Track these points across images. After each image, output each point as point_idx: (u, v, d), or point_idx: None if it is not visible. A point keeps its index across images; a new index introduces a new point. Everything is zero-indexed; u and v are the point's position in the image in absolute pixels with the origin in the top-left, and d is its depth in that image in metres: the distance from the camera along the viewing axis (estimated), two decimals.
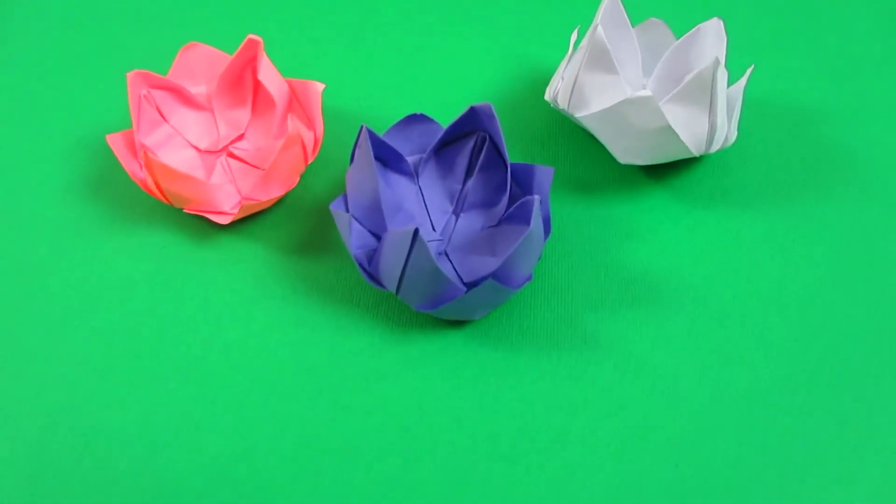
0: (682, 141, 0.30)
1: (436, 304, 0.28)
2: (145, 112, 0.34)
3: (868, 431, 0.28)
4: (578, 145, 0.35)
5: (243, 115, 0.36)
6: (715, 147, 0.31)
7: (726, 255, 0.32)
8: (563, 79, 0.33)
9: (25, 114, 0.36)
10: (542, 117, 0.36)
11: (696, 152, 0.31)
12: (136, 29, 0.39)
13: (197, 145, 0.35)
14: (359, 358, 0.29)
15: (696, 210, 0.33)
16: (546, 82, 0.37)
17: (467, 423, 0.28)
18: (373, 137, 0.30)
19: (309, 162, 0.33)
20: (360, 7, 0.39)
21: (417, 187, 0.33)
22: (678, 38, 0.37)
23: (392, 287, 0.29)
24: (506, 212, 0.31)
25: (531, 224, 0.28)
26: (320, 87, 0.34)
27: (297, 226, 0.33)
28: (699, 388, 0.29)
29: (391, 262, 0.28)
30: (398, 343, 0.30)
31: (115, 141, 0.33)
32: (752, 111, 0.36)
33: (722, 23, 0.33)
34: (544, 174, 0.30)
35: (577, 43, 0.37)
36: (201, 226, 0.33)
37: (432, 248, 0.31)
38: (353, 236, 0.30)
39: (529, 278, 0.29)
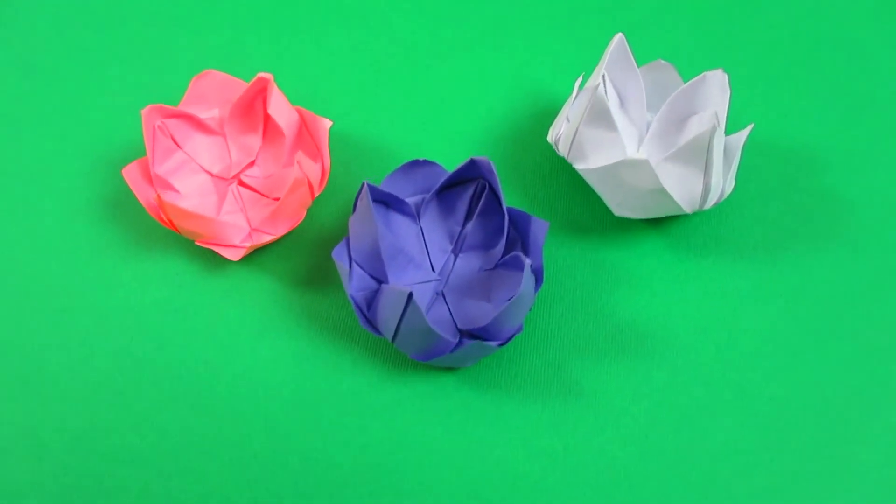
0: (675, 201, 0.31)
1: (428, 356, 0.30)
2: (160, 142, 0.35)
3: (840, 496, 0.29)
4: (577, 186, 0.35)
5: (254, 141, 0.37)
6: (709, 204, 0.32)
7: (713, 307, 0.33)
8: (565, 125, 0.33)
9: (46, 133, 0.37)
10: (545, 152, 0.37)
11: (689, 210, 0.32)
12: (155, 51, 0.39)
13: (210, 170, 0.36)
14: (356, 396, 0.31)
15: (689, 259, 0.34)
16: (552, 114, 0.38)
17: (454, 464, 0.30)
18: (373, 190, 0.31)
19: (316, 196, 0.35)
20: (370, 33, 0.39)
21: (419, 227, 0.34)
22: (683, 78, 0.38)
23: (389, 336, 0.30)
24: (502, 256, 0.33)
25: (521, 286, 0.29)
26: (328, 123, 0.35)
27: (303, 258, 0.34)
28: (675, 441, 0.30)
29: (387, 315, 0.30)
30: (393, 383, 0.32)
31: (130, 173, 0.34)
32: (755, 154, 0.36)
33: (726, 76, 0.33)
34: (539, 227, 0.32)
35: (582, 84, 0.37)
36: (213, 255, 0.35)
37: (430, 288, 0.33)
38: (354, 281, 0.32)
39: (519, 330, 0.30)
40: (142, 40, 0.39)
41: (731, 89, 0.36)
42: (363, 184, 0.30)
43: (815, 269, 0.33)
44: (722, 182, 0.32)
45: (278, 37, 0.39)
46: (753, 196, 0.35)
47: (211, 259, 0.35)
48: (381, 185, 0.33)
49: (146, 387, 0.32)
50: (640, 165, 0.30)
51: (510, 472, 0.30)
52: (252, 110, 0.36)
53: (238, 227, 0.34)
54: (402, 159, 0.37)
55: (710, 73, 0.33)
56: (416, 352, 0.30)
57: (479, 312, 0.32)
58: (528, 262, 0.29)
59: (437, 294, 0.33)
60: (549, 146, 0.37)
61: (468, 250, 0.34)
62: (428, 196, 0.33)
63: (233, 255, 0.33)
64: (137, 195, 0.34)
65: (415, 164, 0.33)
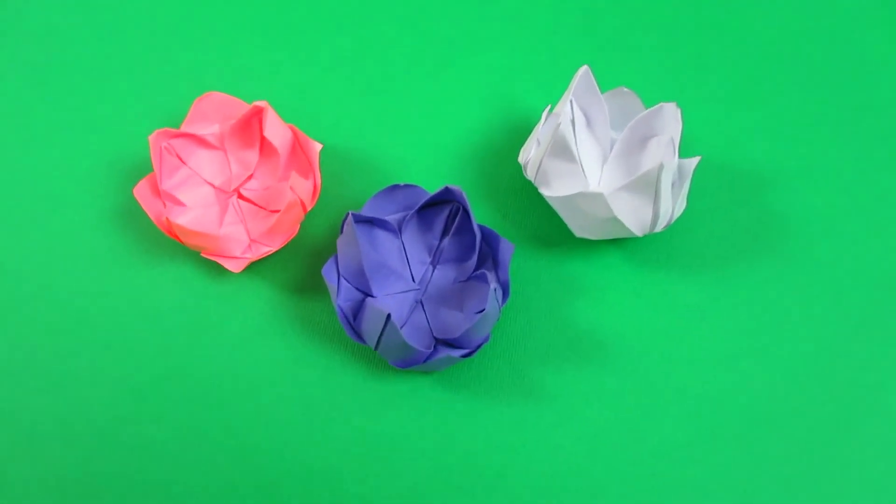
0: (627, 227, 0.35)
1: (406, 364, 0.34)
2: (166, 161, 0.39)
3: (768, 485, 0.34)
4: (544, 203, 0.39)
5: (252, 156, 0.40)
6: (659, 228, 0.36)
7: (662, 318, 0.37)
8: (532, 151, 0.37)
9: (59, 145, 0.41)
10: (517, 168, 0.40)
11: (640, 234, 0.35)
12: (159, 66, 0.42)
13: (212, 182, 0.40)
14: (343, 394, 0.36)
15: (643, 272, 0.38)
16: (525, 130, 0.41)
17: (427, 455, 0.35)
18: (357, 217, 0.35)
19: (308, 210, 0.38)
20: (358, 52, 0.42)
21: (400, 242, 0.38)
22: (644, 100, 0.41)
23: (371, 345, 0.35)
24: (474, 270, 0.37)
25: (487, 306, 0.33)
26: (318, 146, 0.38)
27: (297, 268, 0.38)
28: (621, 439, 0.35)
29: (370, 328, 0.34)
30: (376, 382, 0.36)
31: (140, 191, 0.38)
32: (706, 173, 0.39)
33: (679, 109, 0.36)
34: (507, 248, 0.35)
35: (551, 109, 0.40)
36: (216, 264, 0.39)
37: (410, 297, 0.37)
38: (341, 294, 0.36)
39: (487, 339, 0.35)
40: (146, 56, 0.42)
41: (683, 118, 0.39)
42: (348, 213, 0.34)
43: (755, 284, 0.37)
44: (671, 209, 0.36)
45: (273, 55, 0.42)
46: (703, 214, 0.39)
47: (214, 267, 0.39)
48: (366, 204, 0.37)
49: (161, 383, 0.36)
50: (596, 197, 0.34)
51: (475, 463, 0.35)
52: (249, 128, 0.40)
53: (238, 238, 0.38)
54: (386, 171, 0.40)
55: (665, 105, 0.37)
56: (395, 360, 0.34)
57: (453, 321, 0.36)
58: (492, 285, 0.33)
59: (417, 302, 0.37)
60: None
61: (445, 263, 0.37)
62: (409, 214, 0.37)
63: (235, 266, 0.37)
64: (148, 212, 0.37)
65: (395, 187, 0.37)
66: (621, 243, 0.38)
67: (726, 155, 0.40)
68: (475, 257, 0.36)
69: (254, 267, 0.39)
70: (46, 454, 0.35)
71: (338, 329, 0.37)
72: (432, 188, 0.40)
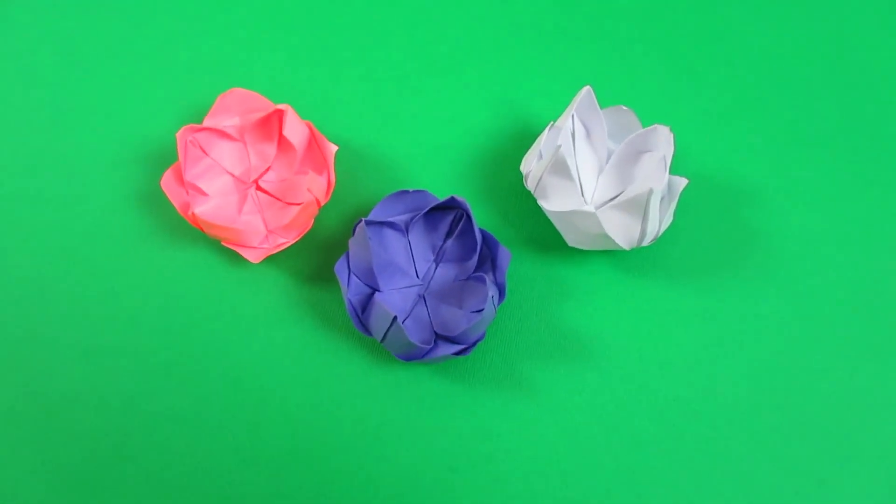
0: (616, 242, 0.38)
1: (408, 358, 0.38)
2: (190, 152, 0.41)
3: (726, 482, 0.38)
4: (543, 212, 0.42)
5: (270, 149, 0.43)
6: (646, 243, 0.39)
7: (642, 322, 0.40)
8: (534, 165, 0.40)
9: (89, 131, 0.43)
10: (519, 174, 0.43)
11: (628, 248, 0.39)
12: (184, 58, 0.44)
13: (232, 171, 0.43)
14: (349, 378, 0.40)
15: (629, 277, 0.41)
16: (530, 137, 0.43)
17: (422, 437, 0.39)
18: (369, 222, 0.38)
19: (322, 205, 0.41)
20: (374, 54, 0.44)
21: (407, 240, 0.41)
22: (640, 116, 0.43)
23: (378, 338, 0.38)
24: (475, 270, 0.40)
25: (484, 310, 0.36)
26: (334, 148, 0.41)
27: (311, 259, 0.42)
28: (599, 431, 0.39)
29: (378, 324, 0.37)
30: (380, 370, 0.40)
31: (167, 182, 0.40)
32: (695, 188, 0.42)
33: (672, 133, 0.39)
34: (504, 255, 0.39)
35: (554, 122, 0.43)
36: (236, 252, 0.42)
37: (414, 291, 0.40)
38: (351, 289, 0.39)
39: (482, 337, 0.38)
40: (172, 48, 0.44)
41: (675, 136, 0.42)
42: (360, 220, 0.37)
43: (730, 295, 0.41)
44: (657, 227, 0.39)
45: (293, 52, 0.44)
46: (688, 228, 0.42)
47: (233, 255, 0.42)
48: (378, 206, 0.40)
49: (183, 359, 0.40)
50: (589, 216, 0.37)
51: (466, 447, 0.39)
52: (269, 124, 0.42)
53: (256, 229, 0.41)
54: (396, 169, 0.43)
55: (660, 126, 0.39)
56: (399, 354, 0.38)
57: (452, 318, 0.39)
58: (490, 293, 0.36)
59: (420, 297, 0.40)
60: None
61: (447, 262, 0.41)
62: (417, 216, 0.40)
63: (253, 256, 0.40)
64: (174, 202, 0.40)
65: (405, 192, 0.40)
66: (610, 252, 0.41)
67: (712, 172, 0.43)
68: (475, 258, 0.40)
69: (270, 257, 0.42)
70: (76, 421, 0.39)
71: (346, 319, 0.41)
72: (439, 187, 0.43)
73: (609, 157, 0.42)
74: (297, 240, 0.41)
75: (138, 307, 0.41)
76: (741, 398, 0.39)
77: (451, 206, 0.40)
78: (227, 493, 0.38)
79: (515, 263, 0.41)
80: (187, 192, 0.41)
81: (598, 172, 0.42)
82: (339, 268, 0.39)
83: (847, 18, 0.45)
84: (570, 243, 0.39)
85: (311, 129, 0.42)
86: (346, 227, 0.42)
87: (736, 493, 0.38)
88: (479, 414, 0.39)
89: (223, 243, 0.40)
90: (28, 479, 0.39)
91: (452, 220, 0.40)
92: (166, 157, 0.43)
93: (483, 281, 0.38)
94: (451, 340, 0.38)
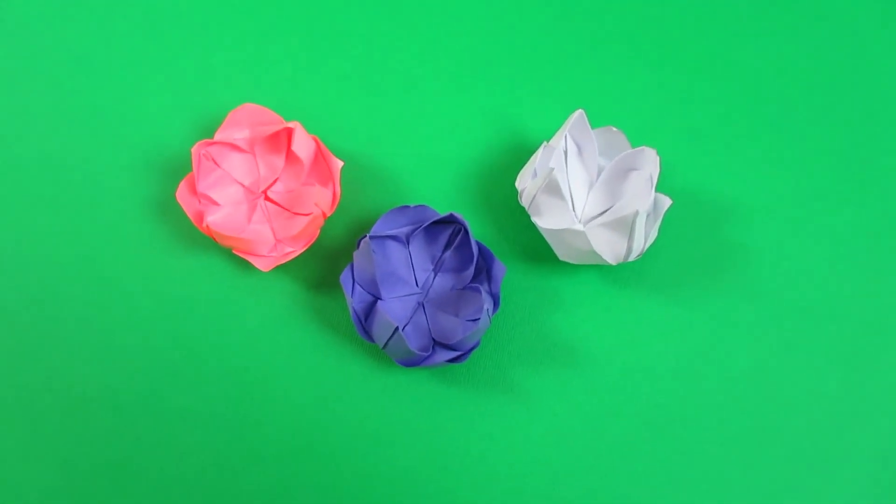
0: (603, 258, 0.40)
1: (408, 364, 0.41)
2: (203, 165, 0.44)
3: (704, 482, 0.41)
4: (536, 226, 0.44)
5: (279, 161, 0.45)
6: (631, 258, 0.41)
7: (627, 331, 0.43)
8: (529, 182, 0.42)
9: (106, 140, 0.45)
10: (514, 189, 0.45)
11: (614, 263, 0.41)
12: (197, 69, 0.47)
13: (242, 182, 0.45)
14: (352, 381, 0.42)
15: (616, 289, 0.44)
16: (526, 152, 0.46)
17: (421, 438, 0.41)
18: (373, 235, 0.40)
19: (328, 216, 0.44)
20: (377, 68, 0.47)
21: (408, 251, 0.43)
22: (628, 138, 0.46)
23: (380, 345, 0.41)
24: (471, 280, 0.42)
25: (480, 321, 0.39)
26: (340, 163, 0.43)
27: (317, 267, 0.44)
28: (584, 433, 0.42)
29: (380, 332, 0.40)
30: (382, 373, 0.42)
31: (181, 193, 0.43)
32: (680, 202, 0.45)
33: (659, 156, 0.41)
34: (499, 268, 0.41)
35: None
36: (245, 260, 0.44)
37: (413, 299, 0.43)
38: (355, 298, 0.41)
39: (477, 344, 0.41)
40: (184, 60, 0.46)
41: (661, 156, 0.44)
42: (365, 235, 0.39)
43: (710, 306, 0.43)
44: (643, 243, 0.41)
45: (301, 64, 0.47)
46: (671, 242, 0.44)
47: (243, 263, 0.44)
48: (381, 219, 0.42)
49: (194, 360, 0.42)
50: (579, 233, 0.39)
51: (460, 447, 0.41)
52: (278, 138, 0.44)
53: (265, 238, 0.43)
54: (398, 181, 0.45)
55: (646, 148, 0.42)
56: (399, 359, 0.41)
57: (449, 326, 0.42)
58: (486, 305, 0.39)
59: (419, 304, 0.43)
60: None
61: (445, 271, 0.43)
62: (417, 228, 0.43)
63: (263, 265, 0.43)
64: (188, 213, 0.43)
65: (407, 207, 0.42)
66: (598, 266, 0.44)
67: (695, 189, 0.45)
68: (472, 269, 0.42)
69: (278, 265, 0.44)
70: (93, 418, 0.42)
71: (350, 325, 0.43)
72: (438, 200, 0.45)
73: (599, 173, 0.44)
74: (304, 249, 0.44)
75: (153, 311, 0.43)
76: (718, 404, 0.42)
77: (450, 220, 0.42)
78: (234, 488, 0.41)
79: (508, 273, 0.44)
80: (200, 202, 0.44)
81: (588, 188, 0.44)
82: (344, 278, 0.41)
83: (828, 42, 0.47)
84: (561, 257, 0.42)
85: (317, 143, 0.44)
86: (350, 237, 0.45)
87: (711, 493, 0.41)
88: (473, 416, 0.42)
89: (234, 251, 0.43)
90: (46, 474, 0.41)
91: (451, 234, 0.43)
92: (180, 167, 0.46)
93: (479, 291, 0.41)
94: (449, 347, 0.41)
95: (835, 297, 0.44)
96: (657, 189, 0.45)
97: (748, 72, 0.47)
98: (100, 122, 0.46)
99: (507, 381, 0.42)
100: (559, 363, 0.43)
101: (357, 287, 0.42)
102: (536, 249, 0.44)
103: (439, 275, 0.43)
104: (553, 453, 0.41)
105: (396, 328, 0.38)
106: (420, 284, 0.43)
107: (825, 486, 0.41)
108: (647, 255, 0.44)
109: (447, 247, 0.43)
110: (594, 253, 0.40)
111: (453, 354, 0.40)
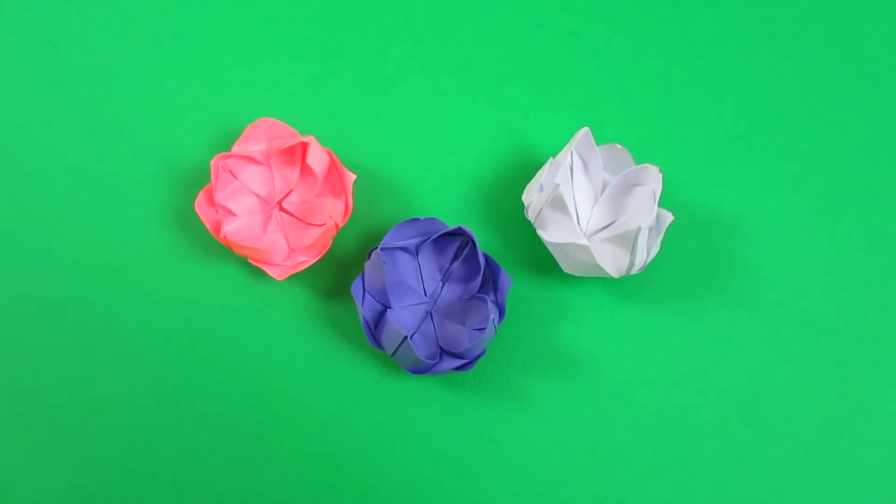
0: (607, 271, 0.42)
1: (416, 371, 0.42)
2: (221, 177, 0.45)
3: (702, 490, 0.42)
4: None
5: (293, 173, 0.47)
6: (634, 272, 0.43)
7: (629, 341, 0.44)
8: (535, 196, 0.43)
9: (126, 150, 0.47)
10: (522, 203, 0.47)
11: (617, 276, 0.43)
12: (215, 84, 0.48)
13: (258, 193, 0.47)
14: (363, 387, 0.44)
15: (619, 302, 0.45)
16: (534, 166, 0.47)
17: (428, 442, 0.43)
18: (383, 247, 0.42)
19: (340, 227, 0.45)
20: (392, 84, 0.48)
21: (417, 262, 0.45)
22: (632, 154, 0.47)
23: (389, 353, 0.42)
24: (478, 291, 0.44)
25: (486, 330, 0.40)
26: (353, 177, 0.45)
27: (330, 276, 0.46)
28: (585, 440, 0.43)
29: (389, 340, 0.41)
30: (390, 380, 0.44)
31: (200, 204, 0.44)
32: (682, 216, 0.46)
33: (661, 173, 0.43)
34: (505, 280, 0.43)
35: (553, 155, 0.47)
36: (261, 270, 0.46)
37: (422, 308, 0.44)
38: (366, 307, 0.43)
39: (483, 353, 0.42)
40: (203, 74, 0.48)
41: (664, 172, 0.46)
42: (376, 247, 0.41)
43: (711, 319, 0.45)
44: (645, 257, 0.43)
45: (315, 78, 0.48)
46: (674, 255, 0.46)
47: (258, 271, 0.46)
48: (391, 231, 0.44)
49: (211, 366, 0.44)
50: (583, 248, 0.41)
51: (466, 451, 0.43)
52: (293, 150, 0.46)
53: (279, 248, 0.45)
54: (409, 193, 0.47)
55: (650, 165, 0.43)
56: (407, 367, 0.42)
57: (456, 334, 0.44)
58: (492, 315, 0.40)
59: (427, 313, 0.44)
60: None
61: (453, 281, 0.45)
62: (427, 239, 0.44)
63: (277, 274, 0.44)
64: (206, 223, 0.44)
65: (416, 220, 0.44)
66: (602, 278, 0.45)
67: (697, 204, 0.47)
68: (479, 280, 0.44)
69: (292, 274, 0.46)
70: (113, 421, 0.43)
71: (360, 333, 0.45)
72: (447, 213, 0.47)
73: (604, 189, 0.46)
74: (317, 259, 0.45)
75: (170, 316, 0.45)
76: (717, 414, 0.43)
77: (458, 233, 0.44)
78: (246, 492, 0.43)
79: (515, 286, 0.45)
80: (217, 212, 0.45)
81: (593, 202, 0.45)
82: (356, 287, 0.43)
83: (828, 59, 0.49)
84: (565, 270, 0.43)
85: (331, 156, 0.45)
86: (362, 247, 0.46)
87: (709, 501, 0.42)
88: (478, 422, 0.43)
89: (249, 260, 0.44)
90: (64, 476, 0.43)
91: (459, 246, 0.44)
92: (199, 177, 0.47)
93: (485, 301, 0.42)
94: (455, 355, 0.43)
95: (834, 310, 0.45)
96: (660, 204, 0.47)
97: (749, 91, 0.48)
98: (123, 136, 0.47)
99: (512, 389, 0.44)
100: (562, 372, 0.44)
101: (367, 296, 0.43)
102: (542, 262, 0.46)
103: (447, 285, 0.45)
104: (555, 459, 0.43)
105: (405, 336, 0.40)
106: (428, 294, 0.44)
107: (824, 498, 0.43)
108: (649, 269, 0.46)
109: (455, 258, 0.44)
110: (598, 266, 0.42)
111: (460, 362, 0.42)
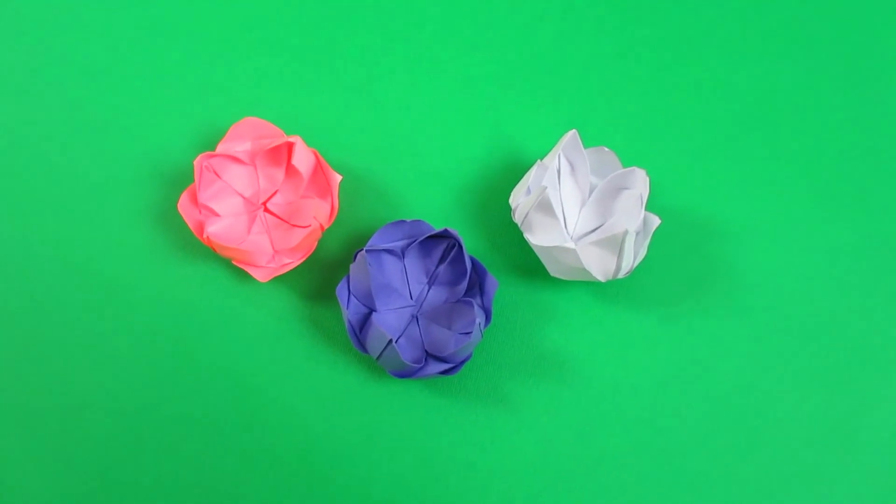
0: (593, 275, 0.42)
1: (401, 375, 0.42)
2: (205, 176, 0.45)
3: (687, 493, 0.42)
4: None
5: (278, 173, 0.46)
6: (621, 276, 0.43)
7: (615, 346, 0.44)
8: (521, 200, 0.43)
9: (110, 150, 0.46)
10: (509, 205, 0.46)
11: (604, 280, 0.42)
12: (199, 83, 0.48)
13: (242, 193, 0.46)
14: (347, 391, 0.43)
15: (605, 305, 0.45)
16: (521, 169, 0.47)
17: (411, 446, 0.42)
18: (369, 249, 0.42)
19: (325, 229, 0.45)
20: (377, 82, 0.48)
21: (403, 264, 0.44)
22: (619, 157, 0.47)
23: (374, 356, 0.42)
24: (464, 294, 0.44)
25: (472, 334, 0.40)
26: (338, 177, 0.44)
27: (314, 278, 0.45)
28: (571, 444, 0.43)
29: (374, 344, 0.41)
30: (375, 383, 0.43)
31: (183, 204, 0.44)
32: (669, 220, 0.46)
33: (648, 176, 0.42)
34: (492, 283, 0.42)
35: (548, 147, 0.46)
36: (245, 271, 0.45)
37: (407, 312, 0.44)
38: (350, 310, 0.43)
39: (469, 357, 0.42)
40: (187, 75, 0.47)
41: (651, 175, 0.46)
42: (362, 248, 0.41)
43: (696, 323, 0.45)
44: (632, 261, 0.42)
45: (301, 79, 0.48)
46: (662, 259, 0.45)
47: (242, 273, 0.45)
48: (377, 233, 0.43)
49: (193, 368, 0.43)
50: (569, 251, 0.41)
51: (451, 456, 0.42)
52: (279, 152, 0.46)
53: (263, 249, 0.44)
54: (395, 195, 0.46)
55: (637, 169, 0.43)
56: (392, 370, 0.42)
57: (442, 338, 0.43)
58: (478, 319, 0.40)
59: (413, 317, 0.44)
60: None
61: (439, 285, 0.44)
62: (413, 242, 0.44)
63: (261, 276, 0.44)
64: (189, 224, 0.44)
65: (403, 221, 0.43)
66: (589, 282, 0.45)
67: (683, 207, 0.46)
68: (465, 283, 0.43)
69: (276, 276, 0.45)
70: (92, 424, 0.43)
71: (345, 336, 0.44)
72: (433, 215, 0.46)
73: (591, 191, 0.45)
74: (301, 261, 0.45)
75: (152, 318, 0.44)
76: (702, 417, 0.43)
77: (444, 235, 0.43)
78: (229, 494, 0.42)
79: (501, 289, 0.45)
80: (200, 213, 0.45)
81: (580, 206, 0.45)
82: (340, 290, 0.42)
83: (814, 64, 0.49)
84: (552, 273, 0.43)
85: (317, 157, 0.45)
86: (347, 249, 0.46)
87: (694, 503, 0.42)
88: (464, 426, 0.43)
89: (233, 262, 0.44)
90: (46, 478, 0.42)
91: (445, 248, 0.44)
92: (181, 177, 0.47)
93: (471, 305, 0.42)
94: (441, 359, 0.42)
95: (821, 314, 0.45)
96: (647, 208, 0.47)
97: (736, 95, 0.48)
98: (105, 134, 0.47)
99: (498, 393, 0.43)
100: (549, 376, 0.44)
101: (353, 299, 0.43)
102: (529, 265, 0.45)
103: (433, 288, 0.44)
104: (542, 464, 0.43)
105: (390, 340, 0.39)
106: (414, 297, 0.44)
107: (809, 498, 0.43)
108: (636, 272, 0.45)
109: (441, 261, 0.44)
110: (584, 270, 0.41)
111: (445, 366, 0.41)
